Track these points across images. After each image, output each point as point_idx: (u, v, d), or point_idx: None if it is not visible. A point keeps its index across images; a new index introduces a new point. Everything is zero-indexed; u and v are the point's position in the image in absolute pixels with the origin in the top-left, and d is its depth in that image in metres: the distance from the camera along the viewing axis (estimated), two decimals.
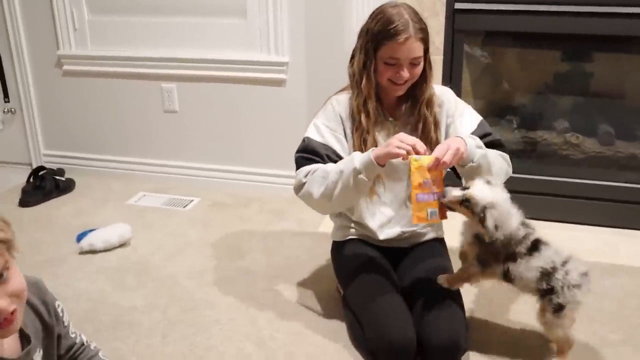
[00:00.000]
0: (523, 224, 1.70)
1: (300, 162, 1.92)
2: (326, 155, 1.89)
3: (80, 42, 3.23)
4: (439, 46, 2.68)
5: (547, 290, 1.69)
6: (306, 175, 1.88)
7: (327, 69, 2.80)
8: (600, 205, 2.74)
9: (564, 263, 1.70)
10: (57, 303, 1.36)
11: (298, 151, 1.94)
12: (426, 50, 1.86)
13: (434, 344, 1.74)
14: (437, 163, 1.66)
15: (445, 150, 1.67)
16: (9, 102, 3.42)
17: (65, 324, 1.40)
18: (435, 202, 1.69)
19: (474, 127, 1.93)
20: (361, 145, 1.89)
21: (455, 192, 1.67)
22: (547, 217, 2.77)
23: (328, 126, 1.93)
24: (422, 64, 1.86)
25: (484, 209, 1.62)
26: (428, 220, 1.71)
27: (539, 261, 1.69)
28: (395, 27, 1.78)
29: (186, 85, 3.14)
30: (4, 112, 3.45)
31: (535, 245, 1.70)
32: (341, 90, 2.00)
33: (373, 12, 1.87)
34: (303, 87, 2.93)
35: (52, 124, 3.45)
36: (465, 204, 1.65)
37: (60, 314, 1.37)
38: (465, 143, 1.74)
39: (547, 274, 1.68)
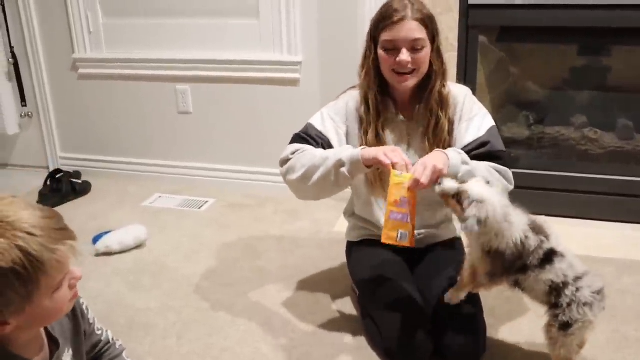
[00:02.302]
0: (534, 230, 1.57)
1: (294, 139, 1.91)
2: (321, 145, 1.86)
3: (95, 45, 3.25)
4: (454, 42, 2.64)
5: (554, 304, 1.58)
6: (294, 153, 1.85)
7: (341, 67, 2.79)
8: (620, 201, 2.70)
9: (577, 279, 1.56)
10: (81, 300, 1.37)
11: (298, 132, 1.93)
12: (432, 40, 1.79)
13: (454, 349, 1.72)
14: (416, 184, 1.59)
15: (422, 171, 1.59)
16: (26, 106, 3.45)
17: (91, 321, 1.41)
18: (406, 224, 1.62)
19: (481, 133, 1.83)
20: (361, 137, 1.87)
21: (450, 184, 1.58)
22: (566, 214, 2.74)
23: (333, 119, 1.91)
24: (426, 51, 1.78)
25: (472, 202, 1.52)
26: (397, 242, 1.63)
27: (550, 274, 1.56)
28: (391, 7, 1.75)
29: (200, 87, 3.14)
30: (21, 116, 3.48)
31: (549, 257, 1.57)
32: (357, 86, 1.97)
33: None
34: (317, 86, 2.92)
35: (68, 127, 3.48)
36: (457, 198, 1.56)
37: (85, 311, 1.39)
38: (447, 157, 1.67)
39: (556, 289, 1.56)
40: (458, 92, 1.90)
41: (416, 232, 1.98)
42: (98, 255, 2.53)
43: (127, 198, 3.17)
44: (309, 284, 2.28)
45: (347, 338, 1.95)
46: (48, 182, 3.20)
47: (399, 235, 1.63)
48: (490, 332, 1.86)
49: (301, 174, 1.81)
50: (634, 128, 2.82)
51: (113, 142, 3.42)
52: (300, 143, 1.88)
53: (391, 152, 1.66)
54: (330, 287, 2.25)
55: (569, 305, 1.55)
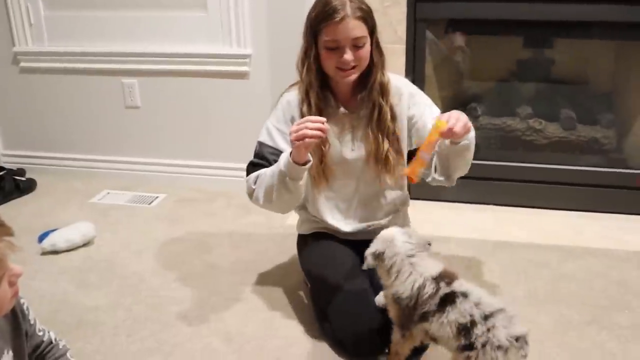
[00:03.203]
0: (439, 278, 1.56)
1: (248, 169, 1.91)
2: (274, 161, 1.84)
3: (36, 38, 3.15)
4: (402, 35, 2.67)
5: (468, 345, 1.47)
6: (255, 182, 1.86)
7: (290, 60, 2.71)
8: (564, 189, 2.77)
9: (487, 317, 1.46)
10: (22, 300, 1.33)
11: (251, 159, 1.93)
12: (371, 33, 1.79)
13: None
14: (450, 132, 1.61)
15: (455, 121, 1.62)
16: None
17: (32, 322, 1.37)
18: (426, 164, 1.71)
19: None
20: None
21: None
22: (512, 203, 2.80)
23: (278, 128, 1.90)
24: (367, 46, 1.79)
25: (381, 239, 1.64)
26: (417, 178, 1.71)
27: (454, 314, 1.50)
28: (331, 6, 1.73)
29: (148, 80, 3.08)
30: None
31: (448, 299, 1.52)
32: (293, 85, 1.96)
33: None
34: (266, 79, 2.90)
35: (10, 123, 3.37)
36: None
37: (26, 312, 1.35)
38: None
39: (464, 329, 1.47)
40: (399, 83, 1.92)
41: (365, 224, 2.00)
42: (44, 253, 2.46)
43: (74, 195, 3.09)
44: (261, 278, 2.28)
45: (300, 330, 1.95)
46: None
47: (420, 173, 1.71)
48: None
49: (264, 198, 1.83)
50: (577, 118, 2.90)
51: (58, 138, 3.32)
52: (254, 170, 1.88)
53: (296, 131, 1.66)
54: (282, 280, 2.25)
55: (483, 346, 1.44)
